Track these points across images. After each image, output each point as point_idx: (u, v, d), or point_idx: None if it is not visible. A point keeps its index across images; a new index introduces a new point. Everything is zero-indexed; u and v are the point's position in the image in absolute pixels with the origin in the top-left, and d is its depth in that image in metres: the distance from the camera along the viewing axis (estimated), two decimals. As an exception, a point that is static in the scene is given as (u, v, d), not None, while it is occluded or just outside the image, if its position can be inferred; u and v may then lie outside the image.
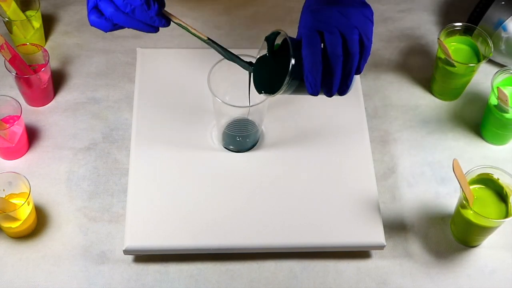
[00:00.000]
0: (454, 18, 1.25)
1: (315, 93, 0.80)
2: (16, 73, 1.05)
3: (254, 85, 0.86)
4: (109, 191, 1.03)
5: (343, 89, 0.82)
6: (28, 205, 0.95)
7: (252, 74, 0.87)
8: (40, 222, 1.00)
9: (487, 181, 0.97)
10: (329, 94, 0.82)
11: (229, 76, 0.97)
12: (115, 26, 0.81)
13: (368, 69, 1.18)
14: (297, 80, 0.80)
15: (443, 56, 1.09)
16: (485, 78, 1.18)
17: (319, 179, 1.00)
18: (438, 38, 1.08)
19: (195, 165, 1.01)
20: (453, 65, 1.08)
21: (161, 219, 0.95)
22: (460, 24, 1.11)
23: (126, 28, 1.12)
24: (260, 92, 0.85)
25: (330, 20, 0.78)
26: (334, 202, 0.98)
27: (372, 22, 0.81)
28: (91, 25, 0.81)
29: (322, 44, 0.78)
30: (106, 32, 0.82)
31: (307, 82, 0.79)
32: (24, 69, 1.05)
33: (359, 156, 1.03)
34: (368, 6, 0.81)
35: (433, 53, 1.21)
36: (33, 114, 1.10)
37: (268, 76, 0.85)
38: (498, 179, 0.96)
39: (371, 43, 0.81)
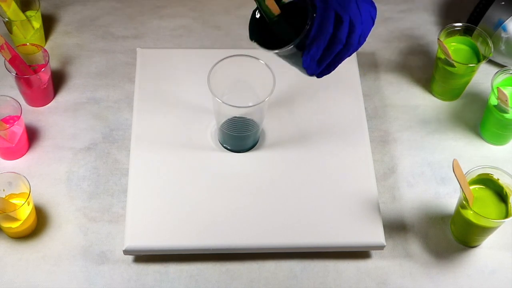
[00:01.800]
0: (454, 18, 1.25)
1: (311, 66, 0.81)
2: (16, 73, 1.05)
3: (250, 31, 0.83)
4: (109, 191, 1.03)
5: (324, 73, 0.84)
6: (28, 205, 0.95)
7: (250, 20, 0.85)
8: (40, 222, 1.00)
9: (487, 181, 0.97)
10: (311, 72, 0.83)
11: (229, 76, 0.97)
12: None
13: (368, 69, 1.18)
14: (295, 48, 0.80)
15: (443, 57, 1.09)
16: (485, 78, 1.18)
17: (319, 179, 1.00)
18: (438, 39, 1.08)
19: (195, 165, 1.01)
20: (453, 65, 1.08)
21: (161, 219, 0.95)
22: (460, 24, 1.11)
23: (124, 27, 1.13)
24: (251, 39, 0.82)
25: (348, 8, 0.80)
26: (334, 202, 0.98)
27: (373, 24, 0.83)
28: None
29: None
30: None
31: (308, 54, 0.80)
32: (24, 69, 1.05)
33: (359, 156, 1.03)
34: (375, 7, 0.83)
35: (433, 53, 1.21)
36: (33, 114, 1.10)
37: (267, 29, 0.83)
38: (498, 179, 0.96)
39: (361, 45, 0.83)
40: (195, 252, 0.96)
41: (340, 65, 0.85)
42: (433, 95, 1.16)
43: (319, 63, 0.82)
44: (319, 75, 0.84)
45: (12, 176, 0.96)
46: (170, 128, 1.04)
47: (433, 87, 1.15)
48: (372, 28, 0.82)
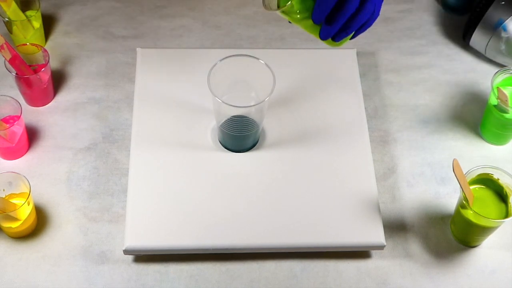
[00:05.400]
0: (454, 18, 1.26)
1: (316, 20, 0.83)
2: (16, 73, 1.05)
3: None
4: (109, 191, 1.03)
5: (342, 36, 0.86)
6: (28, 205, 0.95)
7: None
8: (40, 222, 1.00)
9: (487, 181, 0.97)
10: (325, 34, 0.85)
11: (229, 76, 0.97)
12: None
13: (368, 69, 1.18)
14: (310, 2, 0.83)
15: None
16: (485, 78, 1.18)
17: (319, 179, 1.00)
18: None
19: (195, 165, 1.01)
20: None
21: (161, 219, 0.95)
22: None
23: (124, 27, 1.12)
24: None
25: None
26: (334, 202, 0.98)
27: (382, 2, 0.86)
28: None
29: None
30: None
31: (317, 6, 0.82)
32: (24, 69, 1.05)
33: (359, 156, 1.03)
34: None
35: (433, 53, 1.21)
36: (33, 114, 1.10)
37: None
38: (498, 179, 0.96)
39: (377, 16, 0.85)
40: (195, 252, 0.96)
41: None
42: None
43: (330, 23, 0.83)
44: (335, 38, 0.86)
45: (12, 176, 0.96)
46: (170, 128, 1.04)
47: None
48: (372, 28, 0.83)
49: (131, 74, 1.15)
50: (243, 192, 0.99)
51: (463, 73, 1.19)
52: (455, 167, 0.91)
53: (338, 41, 0.87)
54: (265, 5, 0.85)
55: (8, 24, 1.13)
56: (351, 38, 0.88)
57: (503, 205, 0.96)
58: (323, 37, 0.86)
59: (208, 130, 1.04)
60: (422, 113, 1.14)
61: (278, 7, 0.85)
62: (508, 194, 0.96)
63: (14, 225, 0.95)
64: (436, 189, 1.06)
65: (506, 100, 1.03)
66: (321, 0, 0.82)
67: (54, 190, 1.02)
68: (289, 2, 0.81)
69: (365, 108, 1.12)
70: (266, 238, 0.95)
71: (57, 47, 1.19)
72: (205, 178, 0.99)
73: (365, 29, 0.87)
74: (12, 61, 1.03)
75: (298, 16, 0.84)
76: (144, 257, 0.97)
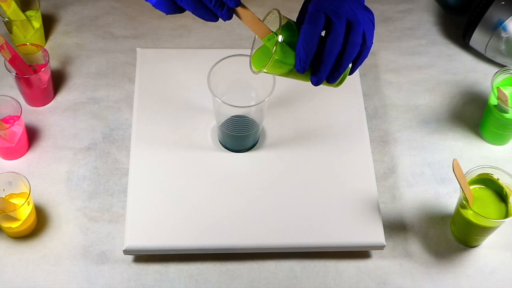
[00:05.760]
0: (454, 18, 1.26)
1: (300, 70, 0.77)
2: (16, 73, 1.05)
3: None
4: (109, 191, 1.03)
5: (335, 77, 0.80)
6: (28, 205, 0.95)
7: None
8: (40, 222, 1.00)
9: (487, 181, 0.97)
10: (316, 79, 0.80)
11: (229, 76, 0.97)
12: (178, 10, 0.77)
13: (368, 69, 1.18)
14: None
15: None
16: (485, 78, 1.18)
17: (319, 179, 1.00)
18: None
19: (195, 165, 1.01)
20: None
21: (161, 219, 0.95)
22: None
23: (124, 27, 1.12)
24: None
25: (340, 9, 0.77)
26: (334, 202, 0.98)
27: (374, 25, 0.80)
28: (154, 6, 0.77)
29: (323, 31, 0.77)
30: (167, 14, 0.77)
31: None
32: (24, 69, 1.05)
33: (359, 156, 1.03)
34: (371, 12, 0.81)
35: (433, 53, 1.21)
36: (33, 114, 1.10)
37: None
38: (498, 179, 0.96)
39: (371, 45, 0.80)
40: (195, 252, 0.96)
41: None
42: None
43: (318, 68, 0.79)
44: (329, 80, 0.81)
45: (12, 176, 0.96)
46: (170, 128, 1.04)
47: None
48: (374, 31, 0.80)
49: (131, 74, 1.15)
50: (243, 192, 0.99)
51: (463, 73, 1.19)
52: (455, 167, 0.91)
53: (333, 82, 0.81)
54: (252, 70, 0.82)
55: (8, 24, 1.13)
56: (349, 74, 0.83)
57: (503, 205, 0.96)
58: (315, 83, 0.80)
59: (208, 130, 1.04)
60: (422, 113, 1.14)
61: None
62: (508, 194, 0.96)
63: (14, 225, 0.95)
64: (436, 189, 1.06)
65: (506, 100, 1.03)
66: (300, 48, 0.76)
67: (54, 190, 1.03)
68: (273, 50, 0.76)
69: (365, 108, 1.12)
70: (266, 238, 0.95)
71: (57, 47, 1.19)
72: (205, 178, 1.00)
73: (361, 62, 0.81)
74: (12, 61, 1.04)
75: (282, 70, 0.79)
76: (144, 257, 0.97)
